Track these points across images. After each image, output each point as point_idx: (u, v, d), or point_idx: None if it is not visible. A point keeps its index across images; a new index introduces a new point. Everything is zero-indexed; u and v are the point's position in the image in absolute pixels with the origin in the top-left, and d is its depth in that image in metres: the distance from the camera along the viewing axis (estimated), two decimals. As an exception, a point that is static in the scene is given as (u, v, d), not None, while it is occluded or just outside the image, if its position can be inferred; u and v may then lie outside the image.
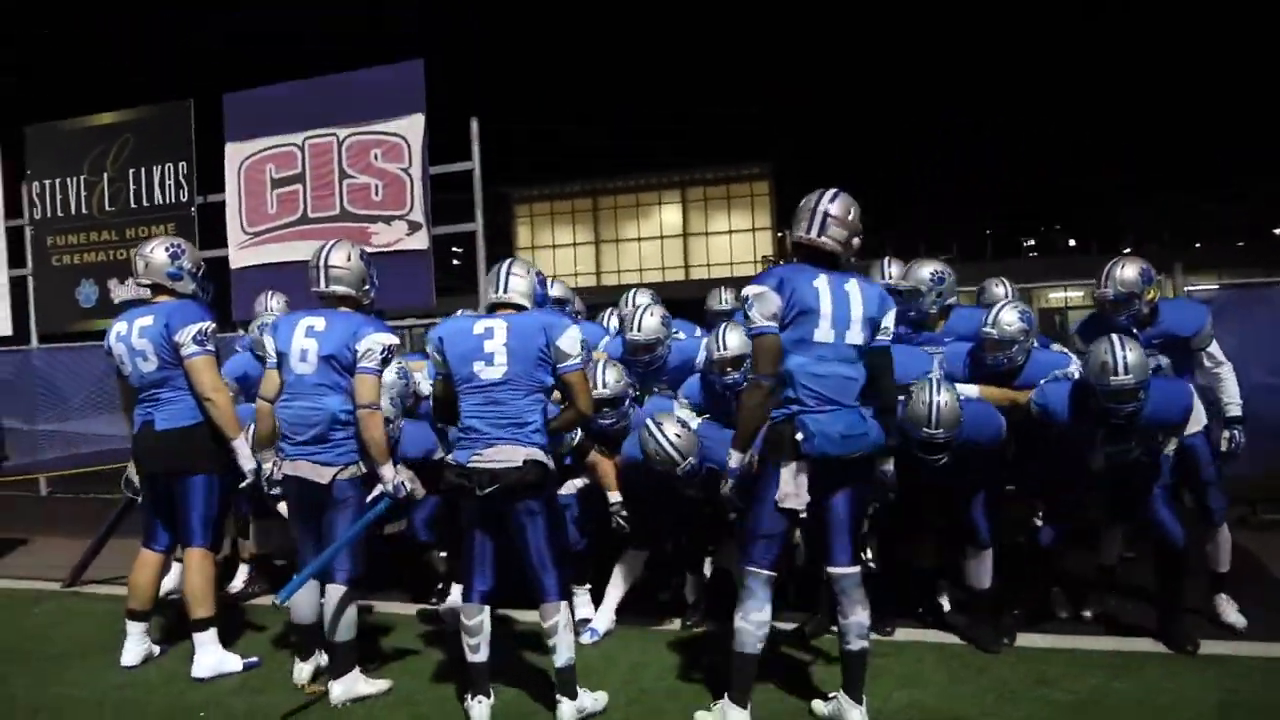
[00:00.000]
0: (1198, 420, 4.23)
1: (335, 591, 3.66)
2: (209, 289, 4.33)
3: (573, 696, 3.39)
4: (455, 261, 39.95)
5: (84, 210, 9.42)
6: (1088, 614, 4.30)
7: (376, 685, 3.77)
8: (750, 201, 40.10)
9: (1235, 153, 40.19)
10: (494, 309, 3.54)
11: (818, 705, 3.36)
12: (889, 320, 3.24)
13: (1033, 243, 39.61)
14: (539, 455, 3.37)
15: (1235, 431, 4.26)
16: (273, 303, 6.00)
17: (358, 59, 8.87)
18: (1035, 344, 4.32)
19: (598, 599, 4.46)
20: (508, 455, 3.33)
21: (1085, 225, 37.53)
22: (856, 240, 3.22)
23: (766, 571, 3.20)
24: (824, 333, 3.11)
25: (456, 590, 4.45)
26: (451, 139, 8.43)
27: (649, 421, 3.95)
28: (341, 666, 3.69)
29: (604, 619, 4.35)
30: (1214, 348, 4.28)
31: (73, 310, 9.36)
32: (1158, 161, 41.75)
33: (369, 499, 3.68)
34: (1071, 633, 4.12)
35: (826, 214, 3.18)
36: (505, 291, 3.50)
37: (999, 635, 3.99)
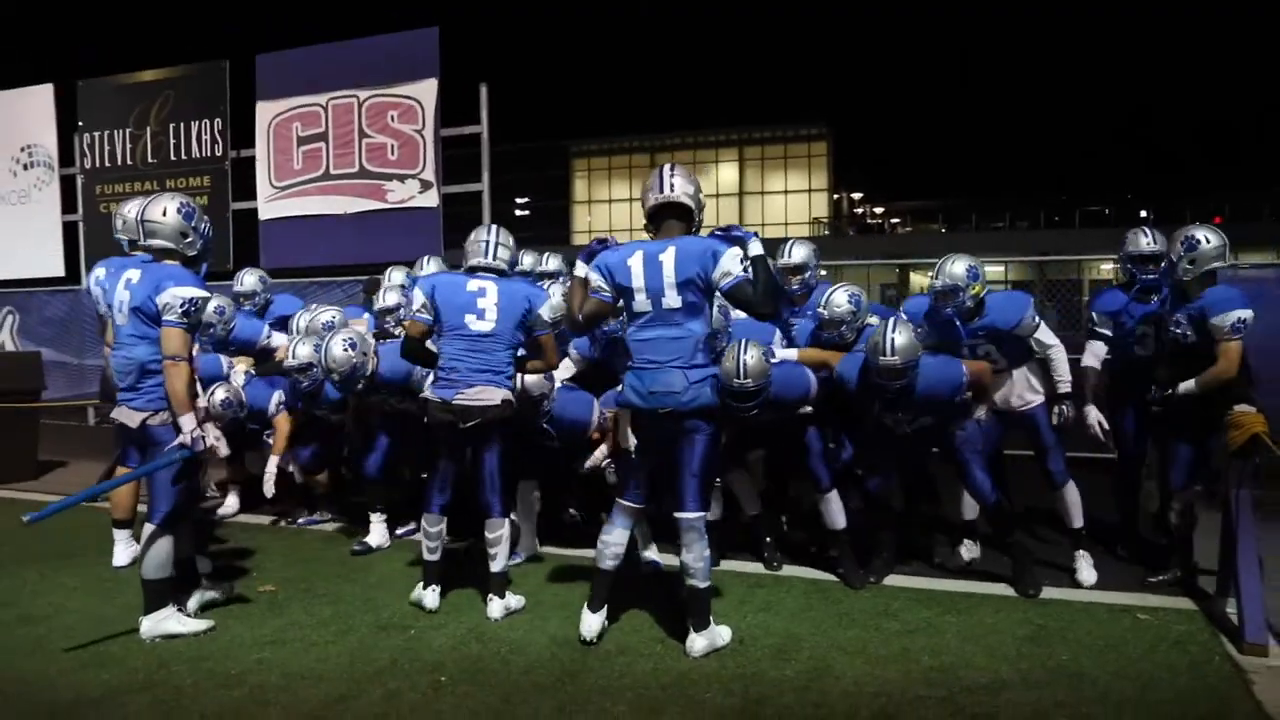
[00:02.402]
0: (1037, 392, 4.63)
1: (148, 530, 3.76)
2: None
3: (501, 596, 4.05)
4: (518, 214, 40.81)
5: (129, 161, 10.22)
6: (964, 561, 4.70)
7: (189, 625, 3.83)
8: (807, 162, 39.92)
9: None
10: (474, 270, 4.10)
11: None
12: (725, 265, 3.40)
13: (1108, 211, 38.59)
14: (510, 396, 4.05)
15: (1064, 406, 4.58)
16: (247, 278, 6.24)
17: (395, 23, 9.41)
18: (874, 322, 4.56)
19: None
20: (488, 395, 3.97)
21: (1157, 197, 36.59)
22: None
23: (626, 503, 3.72)
24: (641, 304, 3.55)
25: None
26: (506, 99, 8.90)
27: None
28: (151, 603, 3.77)
29: (526, 545, 4.92)
30: (1042, 333, 4.52)
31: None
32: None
33: (168, 448, 3.71)
34: (937, 576, 4.54)
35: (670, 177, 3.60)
36: (494, 258, 4.11)
37: (866, 574, 4.43)
